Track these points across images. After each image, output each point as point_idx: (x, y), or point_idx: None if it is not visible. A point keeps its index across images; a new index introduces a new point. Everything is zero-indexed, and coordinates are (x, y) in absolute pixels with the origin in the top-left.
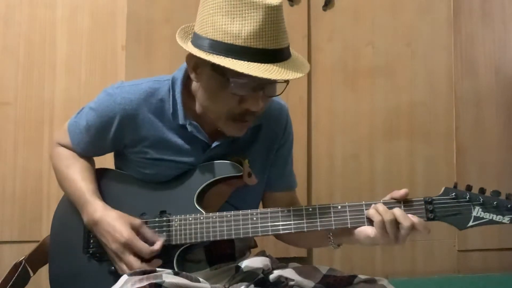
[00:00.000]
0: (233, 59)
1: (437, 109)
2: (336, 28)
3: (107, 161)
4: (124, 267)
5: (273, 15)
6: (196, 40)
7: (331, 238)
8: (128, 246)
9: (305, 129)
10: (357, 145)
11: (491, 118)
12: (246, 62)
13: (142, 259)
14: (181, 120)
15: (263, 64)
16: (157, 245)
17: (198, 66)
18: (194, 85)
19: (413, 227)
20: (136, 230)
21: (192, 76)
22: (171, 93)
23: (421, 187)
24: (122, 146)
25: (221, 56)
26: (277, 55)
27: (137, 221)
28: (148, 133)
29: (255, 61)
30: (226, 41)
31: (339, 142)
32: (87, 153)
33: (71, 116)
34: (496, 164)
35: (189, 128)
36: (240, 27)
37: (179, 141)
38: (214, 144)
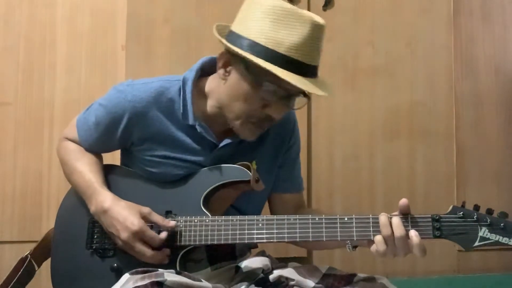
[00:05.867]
0: (272, 64)
1: (437, 109)
2: (336, 28)
3: (109, 158)
4: (138, 255)
5: (317, 32)
6: (235, 39)
7: (348, 241)
8: (138, 235)
9: (305, 129)
10: (357, 145)
11: (491, 118)
12: (284, 70)
13: (153, 247)
14: (191, 121)
15: (297, 76)
16: (163, 235)
17: (230, 64)
18: (212, 84)
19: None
20: (146, 218)
21: (220, 72)
22: (181, 93)
23: (421, 187)
24: (129, 143)
25: (261, 59)
26: (310, 71)
27: (146, 209)
28: (156, 131)
29: (291, 71)
30: (268, 46)
31: (339, 142)
32: (94, 149)
33: (71, 116)
34: (496, 164)
35: (199, 128)
36: (286, 36)
37: (187, 140)
38: (221, 144)
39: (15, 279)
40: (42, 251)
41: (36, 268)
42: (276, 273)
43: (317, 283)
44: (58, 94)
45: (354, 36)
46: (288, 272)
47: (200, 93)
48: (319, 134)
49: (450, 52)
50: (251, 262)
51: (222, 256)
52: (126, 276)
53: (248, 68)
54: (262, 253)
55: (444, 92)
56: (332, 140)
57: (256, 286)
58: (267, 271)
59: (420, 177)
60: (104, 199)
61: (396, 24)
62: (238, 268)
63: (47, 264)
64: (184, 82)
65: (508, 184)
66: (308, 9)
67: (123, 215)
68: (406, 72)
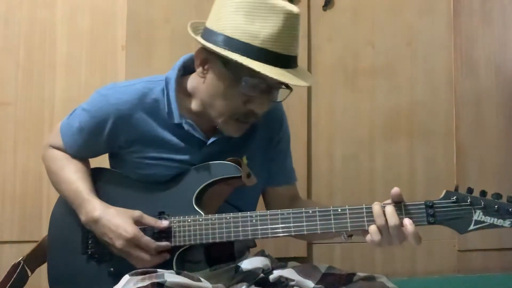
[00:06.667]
0: (248, 59)
1: (437, 109)
2: (336, 28)
3: (104, 161)
4: (135, 261)
5: (292, 22)
6: (209, 36)
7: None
8: (133, 242)
9: (305, 129)
10: (357, 145)
11: (491, 118)
12: (261, 63)
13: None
14: (176, 119)
15: (276, 68)
16: (163, 244)
17: (208, 61)
18: (193, 82)
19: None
20: (138, 222)
21: (199, 71)
22: (165, 92)
23: (421, 187)
24: (116, 147)
25: (237, 54)
26: (288, 62)
27: (136, 213)
28: (143, 133)
29: (269, 64)
30: (243, 40)
31: (339, 142)
32: (80, 155)
33: None
34: (496, 164)
35: (186, 126)
36: (260, 29)
37: (174, 139)
38: (210, 141)
39: (7, 286)
40: (36, 257)
41: (29, 274)
42: (276, 273)
43: (316, 284)
44: (58, 94)
45: (354, 36)
46: (288, 272)
47: (184, 92)
48: (319, 134)
49: (450, 52)
50: (251, 262)
51: (221, 257)
52: (126, 277)
53: (226, 65)
54: (261, 253)
55: (444, 92)
56: (332, 140)
57: (256, 286)
58: (267, 271)
59: (420, 177)
60: (94, 209)
61: (396, 24)
62: (238, 268)
63: (45, 269)
64: (167, 81)
65: (508, 184)
66: (308, 9)
67: (115, 223)
68: (406, 72)
